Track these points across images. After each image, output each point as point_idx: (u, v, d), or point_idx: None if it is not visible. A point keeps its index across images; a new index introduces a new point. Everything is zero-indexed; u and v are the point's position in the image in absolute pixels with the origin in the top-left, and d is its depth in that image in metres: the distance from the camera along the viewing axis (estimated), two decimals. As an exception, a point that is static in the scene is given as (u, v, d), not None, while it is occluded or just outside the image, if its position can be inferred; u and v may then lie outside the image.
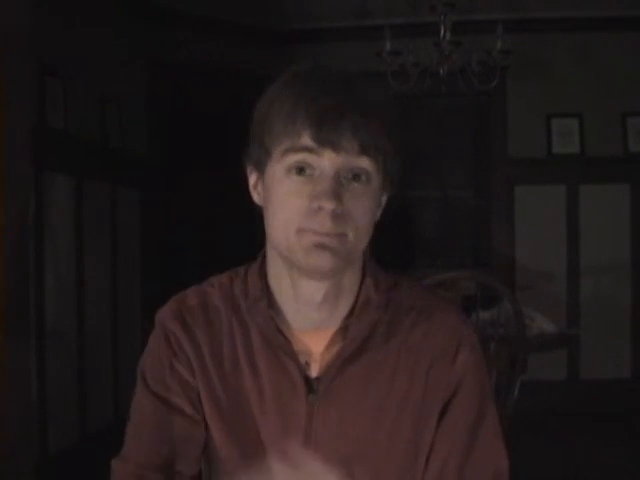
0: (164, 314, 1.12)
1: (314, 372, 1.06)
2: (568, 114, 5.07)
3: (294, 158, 0.98)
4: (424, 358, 1.07)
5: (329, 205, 0.96)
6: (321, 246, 0.98)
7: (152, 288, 4.66)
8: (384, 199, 1.08)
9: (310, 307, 1.05)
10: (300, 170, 0.98)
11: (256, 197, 1.07)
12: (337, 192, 0.97)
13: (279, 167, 1.00)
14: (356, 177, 0.99)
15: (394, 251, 5.75)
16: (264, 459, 1.02)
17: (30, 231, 3.45)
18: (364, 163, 0.98)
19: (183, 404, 1.07)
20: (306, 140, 0.97)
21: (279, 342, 1.05)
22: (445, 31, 4.14)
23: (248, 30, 5.10)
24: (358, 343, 1.05)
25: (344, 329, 1.06)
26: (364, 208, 1.00)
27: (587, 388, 4.94)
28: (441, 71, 4.19)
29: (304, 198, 0.98)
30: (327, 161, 0.97)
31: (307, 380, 1.06)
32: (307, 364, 1.06)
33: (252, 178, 1.07)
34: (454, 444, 1.06)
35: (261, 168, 1.04)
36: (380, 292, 1.08)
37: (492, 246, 5.30)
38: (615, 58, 4.98)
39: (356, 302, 1.07)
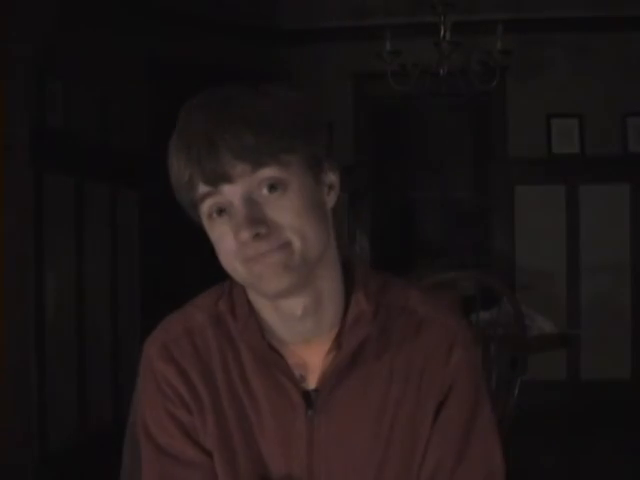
0: (150, 350, 1.09)
1: (311, 384, 1.05)
2: (568, 114, 5.07)
3: (205, 206, 0.98)
4: (417, 359, 1.05)
5: (246, 234, 0.94)
6: (270, 265, 0.95)
7: (152, 288, 4.67)
8: (330, 179, 1.03)
9: (293, 321, 1.03)
10: (220, 211, 0.97)
11: None
12: (252, 217, 0.94)
13: (202, 214, 0.99)
14: (272, 188, 0.95)
15: (395, 251, 5.75)
16: None
17: (30, 231, 3.45)
18: (268, 173, 0.95)
19: (189, 451, 1.05)
20: (201, 188, 0.96)
21: (272, 359, 1.03)
22: (445, 31, 4.14)
23: (248, 30, 5.10)
24: (352, 354, 1.03)
25: (337, 340, 1.04)
26: (295, 211, 0.96)
27: (587, 388, 4.94)
28: (441, 71, 4.19)
29: (230, 237, 0.96)
30: (229, 195, 0.95)
31: (304, 394, 1.04)
32: (303, 377, 1.04)
33: None
34: (447, 445, 1.05)
35: (195, 213, 1.02)
36: (370, 299, 1.05)
37: (492, 246, 5.30)
38: (615, 58, 4.98)
39: (346, 308, 1.05)
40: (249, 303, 1.06)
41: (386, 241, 5.64)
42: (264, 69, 4.83)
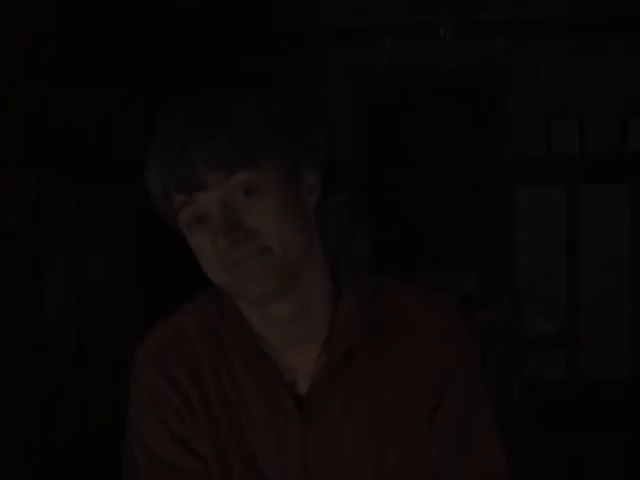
0: (141, 359, 1.09)
1: (303, 389, 1.04)
2: (568, 114, 5.08)
3: (182, 216, 0.97)
4: (411, 359, 1.04)
5: (222, 242, 0.93)
6: (249, 269, 0.94)
7: (153, 287, 4.67)
8: (311, 180, 1.00)
9: (281, 326, 1.02)
10: (197, 220, 0.96)
11: None
12: (228, 223, 0.93)
13: (181, 224, 0.98)
14: (247, 193, 0.94)
15: (394, 252, 5.75)
16: None
17: (30, 231, 3.45)
18: (242, 178, 0.93)
19: (185, 458, 1.05)
20: (177, 198, 0.95)
21: (262, 365, 1.03)
22: (445, 31, 4.15)
23: (248, 30, 5.10)
24: (343, 357, 1.02)
25: (328, 343, 1.03)
26: (272, 215, 0.94)
27: (587, 387, 4.95)
28: (441, 71, 4.20)
29: (209, 244, 0.95)
30: (205, 202, 0.94)
31: (296, 398, 1.03)
32: (294, 382, 1.03)
33: None
34: (446, 442, 1.04)
35: (174, 224, 1.01)
36: (361, 300, 1.04)
37: (492, 247, 5.30)
38: (615, 58, 4.99)
39: (336, 311, 1.03)
40: (238, 309, 1.05)
41: (386, 241, 5.64)
42: (264, 69, 4.83)
